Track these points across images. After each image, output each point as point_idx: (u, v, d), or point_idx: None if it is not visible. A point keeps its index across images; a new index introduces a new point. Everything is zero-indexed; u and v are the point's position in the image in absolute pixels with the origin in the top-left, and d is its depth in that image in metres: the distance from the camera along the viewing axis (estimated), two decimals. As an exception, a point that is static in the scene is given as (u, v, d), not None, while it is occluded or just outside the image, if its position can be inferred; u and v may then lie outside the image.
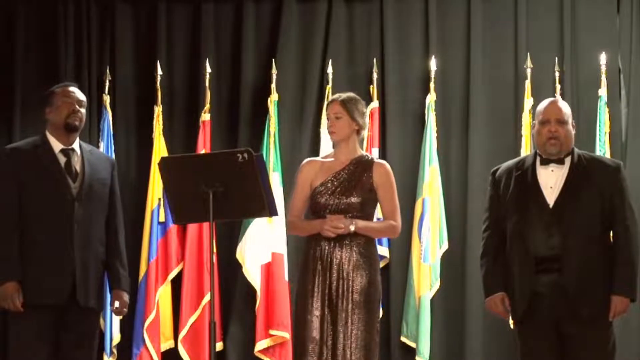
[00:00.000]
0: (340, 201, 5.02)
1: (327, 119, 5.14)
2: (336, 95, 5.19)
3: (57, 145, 5.04)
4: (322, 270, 4.99)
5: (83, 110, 5.10)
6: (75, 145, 5.09)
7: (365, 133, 6.74)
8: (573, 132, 4.83)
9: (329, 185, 5.05)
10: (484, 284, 4.88)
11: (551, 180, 4.77)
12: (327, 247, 5.01)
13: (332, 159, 5.15)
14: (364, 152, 5.19)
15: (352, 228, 4.98)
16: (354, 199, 5.02)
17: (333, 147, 5.25)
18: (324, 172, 5.09)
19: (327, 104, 5.19)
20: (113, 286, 5.13)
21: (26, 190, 4.95)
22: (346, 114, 5.08)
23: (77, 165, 5.06)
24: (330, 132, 5.12)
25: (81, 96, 5.12)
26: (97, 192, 5.06)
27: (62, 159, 5.03)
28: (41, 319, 4.90)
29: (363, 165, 5.10)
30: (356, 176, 5.07)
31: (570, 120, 4.82)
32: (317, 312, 4.96)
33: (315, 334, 4.94)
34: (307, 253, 5.09)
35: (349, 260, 4.99)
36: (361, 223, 5.01)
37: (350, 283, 4.98)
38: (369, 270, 5.03)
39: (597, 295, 4.67)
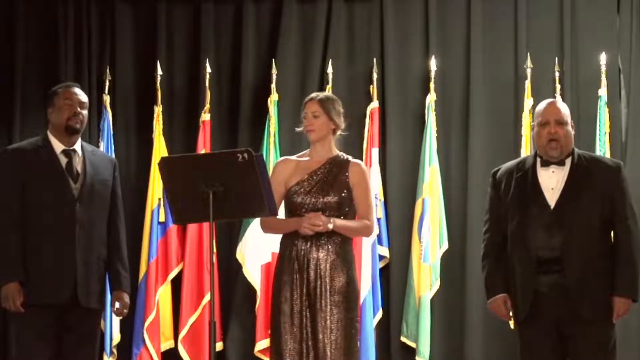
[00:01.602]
0: (317, 200, 4.99)
1: (304, 117, 5.10)
2: (314, 94, 5.17)
3: (58, 146, 5.04)
4: (299, 270, 4.97)
5: (85, 112, 5.09)
6: (77, 146, 5.08)
7: (365, 134, 6.74)
8: (572, 132, 4.83)
9: (305, 184, 5.03)
10: (486, 285, 4.87)
11: (552, 182, 4.76)
12: (303, 247, 4.98)
13: (307, 159, 5.12)
14: (339, 152, 5.16)
15: (330, 226, 4.94)
16: (330, 198, 5.00)
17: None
18: (300, 172, 5.07)
19: (305, 103, 5.14)
20: (114, 287, 5.12)
21: (28, 191, 4.95)
22: (324, 113, 5.06)
23: (78, 166, 5.05)
24: (308, 131, 5.08)
25: (83, 97, 5.11)
26: (99, 192, 5.06)
27: (64, 160, 5.03)
28: (42, 319, 4.90)
29: (339, 165, 5.08)
30: (332, 175, 5.05)
31: (569, 120, 4.82)
32: (296, 313, 4.94)
33: (296, 333, 4.93)
34: (282, 253, 5.06)
35: (326, 260, 4.97)
36: (339, 222, 4.99)
37: (329, 282, 4.96)
38: (347, 269, 5.01)
39: (599, 295, 4.67)
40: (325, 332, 4.91)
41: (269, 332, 5.06)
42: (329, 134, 5.10)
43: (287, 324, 4.94)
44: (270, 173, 5.01)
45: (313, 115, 5.06)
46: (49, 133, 5.07)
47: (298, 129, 5.21)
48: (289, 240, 5.03)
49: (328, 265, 4.97)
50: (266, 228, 5.19)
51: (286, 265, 5.01)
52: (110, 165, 5.20)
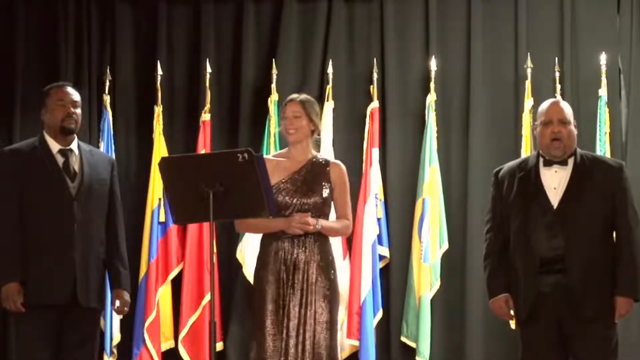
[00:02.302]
0: (303, 201, 4.99)
1: (285, 118, 5.09)
2: (294, 95, 5.17)
3: (55, 146, 5.04)
4: (286, 270, 4.97)
5: (78, 111, 5.08)
6: (74, 146, 5.08)
7: (365, 134, 6.71)
8: (575, 132, 4.83)
9: (289, 185, 5.02)
10: (487, 285, 4.87)
11: (554, 182, 4.77)
12: (289, 247, 4.98)
13: (286, 159, 5.12)
14: (316, 153, 5.16)
15: (318, 227, 4.97)
16: (316, 199, 5.01)
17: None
18: (280, 171, 5.05)
19: (285, 104, 5.14)
20: (114, 285, 5.13)
21: (26, 191, 4.94)
22: (305, 115, 5.07)
23: (75, 166, 5.05)
24: (289, 132, 5.08)
25: (75, 96, 5.09)
26: (97, 192, 5.06)
27: (60, 160, 5.02)
28: (43, 319, 4.89)
29: (320, 166, 5.09)
30: (314, 176, 5.05)
31: (572, 120, 4.82)
32: (281, 312, 4.93)
33: (282, 331, 4.93)
34: (264, 252, 5.04)
35: (312, 261, 4.98)
36: (324, 222, 5.02)
37: (314, 283, 4.97)
38: (331, 271, 5.03)
39: (601, 295, 4.68)
40: (310, 332, 4.93)
41: (253, 330, 5.05)
42: (309, 135, 5.11)
43: (273, 323, 4.94)
44: (264, 172, 4.97)
45: (294, 116, 5.07)
46: (45, 133, 5.07)
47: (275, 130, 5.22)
48: (272, 240, 5.02)
49: (315, 266, 4.99)
50: (243, 227, 5.21)
51: (271, 265, 5.00)
52: (108, 165, 5.19)
